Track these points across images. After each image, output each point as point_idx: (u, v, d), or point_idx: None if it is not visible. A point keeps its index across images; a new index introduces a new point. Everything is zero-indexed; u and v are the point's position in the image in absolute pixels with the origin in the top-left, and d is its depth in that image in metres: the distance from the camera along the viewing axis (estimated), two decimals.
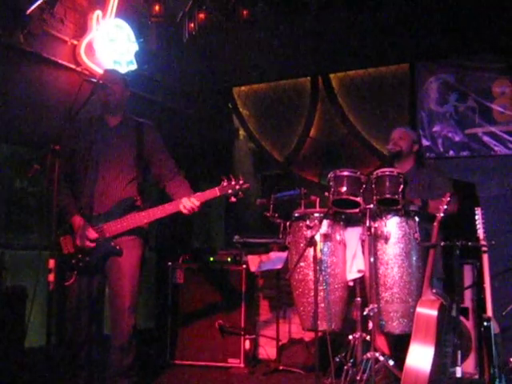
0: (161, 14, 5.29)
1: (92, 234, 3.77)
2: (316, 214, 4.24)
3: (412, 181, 4.34)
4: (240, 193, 3.85)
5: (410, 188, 4.24)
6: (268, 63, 6.55)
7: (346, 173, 4.06)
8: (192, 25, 5.56)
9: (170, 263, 5.41)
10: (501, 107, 5.70)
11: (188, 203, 3.81)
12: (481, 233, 3.81)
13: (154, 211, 3.87)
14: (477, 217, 3.84)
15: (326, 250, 4.18)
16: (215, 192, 3.87)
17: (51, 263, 3.17)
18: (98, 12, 5.12)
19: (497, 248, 4.80)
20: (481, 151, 5.71)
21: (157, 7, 5.28)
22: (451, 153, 5.83)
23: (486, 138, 5.70)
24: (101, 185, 3.88)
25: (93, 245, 3.77)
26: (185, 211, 3.84)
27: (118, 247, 3.81)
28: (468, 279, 4.83)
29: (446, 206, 3.77)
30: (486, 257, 3.81)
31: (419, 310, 3.68)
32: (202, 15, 5.55)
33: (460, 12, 5.54)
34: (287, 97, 7.05)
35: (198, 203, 3.82)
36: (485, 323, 3.66)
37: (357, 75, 6.61)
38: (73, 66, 5.04)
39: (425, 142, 5.85)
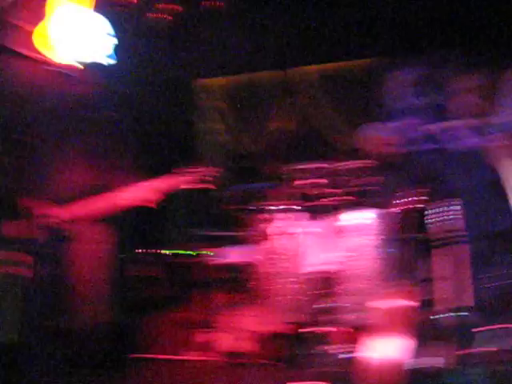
0: (128, 4, 5.19)
1: (42, 220, 3.69)
2: (282, 207, 4.24)
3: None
4: (208, 179, 3.85)
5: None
6: (235, 56, 6.51)
7: (314, 165, 4.08)
8: (160, 16, 5.48)
9: (129, 256, 5.33)
10: (465, 102, 5.77)
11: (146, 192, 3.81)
12: (446, 225, 3.87)
13: (115, 197, 3.83)
14: (443, 209, 3.89)
15: (291, 242, 4.19)
16: (181, 179, 3.85)
17: (19, 256, 3.09)
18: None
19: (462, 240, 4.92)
20: (445, 145, 5.78)
21: None
22: (414, 147, 5.88)
23: (449, 133, 5.77)
24: (58, 172, 3.82)
25: (39, 232, 3.69)
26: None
27: (74, 234, 3.74)
28: (435, 271, 4.88)
29: (415, 199, 3.82)
30: (453, 248, 3.86)
31: (386, 302, 3.73)
32: (170, 6, 5.47)
33: (424, 7, 5.63)
34: (255, 90, 7.02)
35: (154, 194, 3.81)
36: (451, 314, 3.72)
37: (323, 69, 6.62)
38: (35, 55, 4.91)
39: (388, 137, 5.88)
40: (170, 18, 5.48)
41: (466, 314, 3.91)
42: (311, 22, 6.13)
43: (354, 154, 4.84)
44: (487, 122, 5.68)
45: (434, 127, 5.81)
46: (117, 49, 5.41)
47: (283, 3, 6.04)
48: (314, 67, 6.66)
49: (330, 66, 6.55)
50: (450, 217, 3.90)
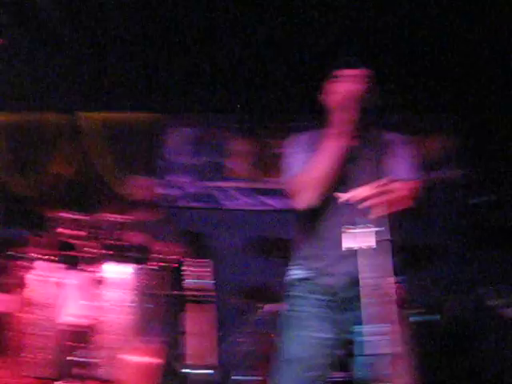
0: None
1: None
2: (35, 255, 4.13)
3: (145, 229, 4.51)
4: None
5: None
6: (19, 94, 6.27)
7: (69, 215, 4.05)
8: None
9: None
10: (234, 165, 6.10)
11: None
12: (190, 283, 4.01)
13: None
14: (186, 267, 4.03)
15: (48, 292, 4.08)
16: None
17: None
18: None
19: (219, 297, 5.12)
20: (212, 204, 6.02)
21: None
22: (184, 203, 6.06)
23: (218, 192, 6.03)
24: None
25: None
26: None
27: None
28: (187, 328, 4.97)
29: (164, 256, 3.92)
30: (193, 306, 3.99)
31: (128, 357, 3.75)
32: None
33: (207, 71, 5.93)
34: (34, 131, 6.77)
35: None
36: (198, 370, 3.82)
37: (106, 117, 6.59)
38: None
39: (161, 191, 6.00)
40: None
41: (212, 371, 4.04)
42: (102, 71, 6.18)
43: (126, 205, 4.89)
44: (259, 184, 6.07)
45: (208, 185, 6.05)
46: None
47: (73, 48, 6.03)
48: (100, 114, 6.63)
49: (116, 115, 6.56)
50: (204, 276, 4.06)
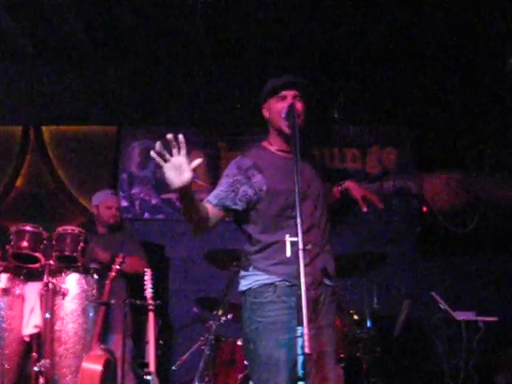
0: None
1: None
2: None
3: (108, 241, 4.68)
4: None
5: (105, 248, 4.51)
6: None
7: (28, 228, 4.13)
8: None
9: None
10: (195, 176, 6.18)
11: None
12: (148, 292, 4.12)
13: None
14: (146, 277, 4.14)
15: (2, 304, 4.14)
16: None
17: None
18: None
19: (178, 306, 5.22)
20: (173, 215, 6.11)
21: None
22: (147, 215, 6.14)
23: (178, 204, 6.10)
24: None
25: None
26: None
27: None
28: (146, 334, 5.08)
29: (118, 266, 4.03)
30: (151, 315, 4.10)
31: (84, 364, 3.83)
32: None
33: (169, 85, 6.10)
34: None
35: None
36: (147, 377, 3.92)
37: (69, 130, 6.66)
38: None
39: (123, 203, 6.07)
40: None
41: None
42: (66, 84, 6.30)
43: (90, 216, 5.00)
44: None
45: (170, 197, 6.14)
46: None
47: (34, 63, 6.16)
48: (63, 127, 6.69)
49: (78, 127, 6.63)
50: (148, 285, 4.16)
